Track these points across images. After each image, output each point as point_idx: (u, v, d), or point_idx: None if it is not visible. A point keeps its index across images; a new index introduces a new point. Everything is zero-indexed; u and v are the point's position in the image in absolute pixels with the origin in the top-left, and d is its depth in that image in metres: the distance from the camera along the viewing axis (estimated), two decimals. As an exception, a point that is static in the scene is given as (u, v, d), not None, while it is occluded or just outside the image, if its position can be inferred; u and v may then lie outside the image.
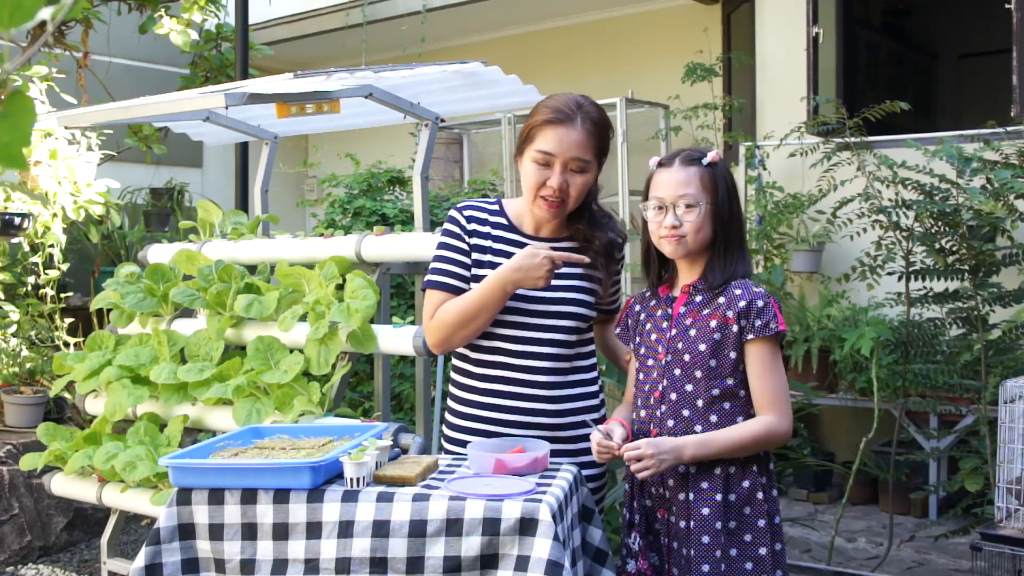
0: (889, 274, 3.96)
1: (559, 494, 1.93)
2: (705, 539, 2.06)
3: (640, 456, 2.00)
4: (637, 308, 2.28)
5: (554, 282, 2.23)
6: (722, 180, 2.13)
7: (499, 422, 2.26)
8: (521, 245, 2.28)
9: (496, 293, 2.17)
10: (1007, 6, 4.82)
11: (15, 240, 4.84)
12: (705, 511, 2.06)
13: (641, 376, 2.21)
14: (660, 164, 2.18)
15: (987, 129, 4.19)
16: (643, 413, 2.18)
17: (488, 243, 2.29)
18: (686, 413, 2.10)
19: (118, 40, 6.30)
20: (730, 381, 2.09)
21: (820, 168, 4.14)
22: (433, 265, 2.30)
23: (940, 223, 3.74)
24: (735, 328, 2.07)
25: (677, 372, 2.12)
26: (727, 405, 2.09)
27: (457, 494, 1.89)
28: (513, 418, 2.25)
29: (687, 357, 2.11)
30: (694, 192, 2.10)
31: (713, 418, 2.09)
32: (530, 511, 1.83)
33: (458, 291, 2.25)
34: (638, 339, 2.25)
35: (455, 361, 2.37)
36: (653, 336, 2.19)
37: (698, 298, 2.14)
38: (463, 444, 2.30)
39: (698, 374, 2.09)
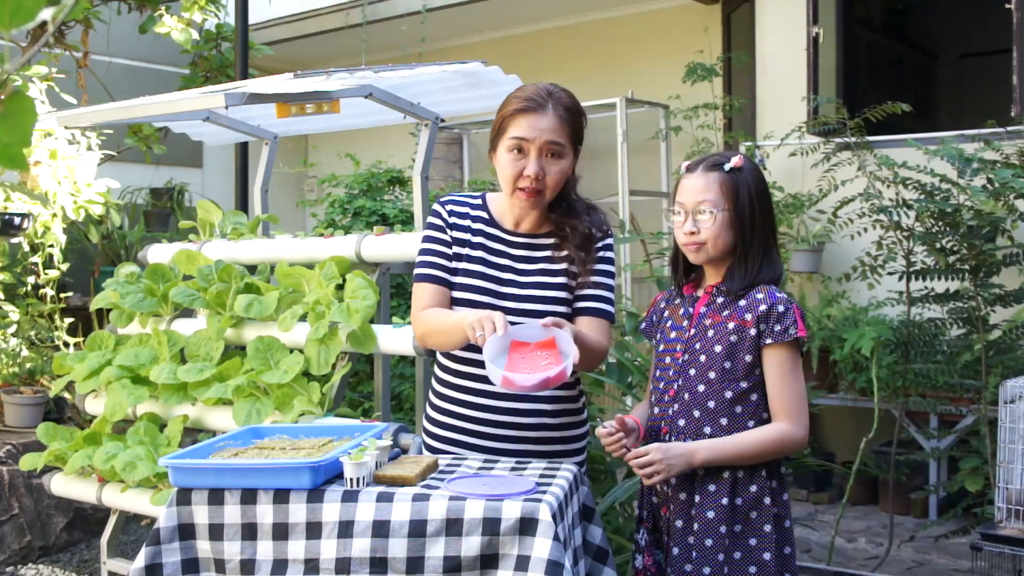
0: (890, 274, 3.96)
1: (559, 494, 1.93)
2: (708, 542, 2.05)
3: (649, 462, 2.00)
4: (663, 305, 2.29)
5: (527, 279, 2.24)
6: (744, 186, 2.11)
7: (478, 420, 2.26)
8: (501, 240, 2.29)
9: (458, 324, 2.11)
10: (1007, 6, 4.82)
11: (15, 240, 4.84)
12: (710, 514, 2.06)
13: (658, 373, 2.22)
14: (687, 169, 2.18)
15: (987, 129, 4.19)
16: (656, 410, 2.19)
17: (468, 236, 2.29)
18: (697, 414, 2.10)
19: (118, 40, 6.30)
20: (744, 384, 2.08)
21: (820, 168, 4.14)
22: (419, 258, 2.32)
23: (941, 223, 3.74)
24: (752, 332, 2.06)
25: (692, 372, 2.12)
26: (739, 408, 2.08)
27: (457, 494, 1.89)
28: (491, 417, 2.24)
29: (703, 358, 2.11)
30: (712, 199, 2.10)
31: (724, 420, 2.08)
32: (530, 511, 1.83)
33: (444, 282, 2.26)
34: (659, 335, 2.25)
35: (438, 358, 2.37)
36: (673, 334, 2.20)
37: (720, 299, 2.14)
38: (446, 441, 2.30)
39: (712, 375, 2.09)
